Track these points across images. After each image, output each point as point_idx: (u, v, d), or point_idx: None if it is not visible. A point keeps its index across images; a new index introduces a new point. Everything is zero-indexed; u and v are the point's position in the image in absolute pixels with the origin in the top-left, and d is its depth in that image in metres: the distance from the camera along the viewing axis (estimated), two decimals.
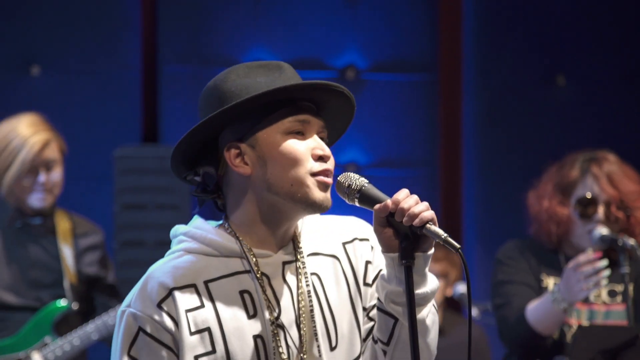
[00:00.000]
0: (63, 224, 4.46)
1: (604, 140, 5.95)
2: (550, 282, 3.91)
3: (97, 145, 5.81)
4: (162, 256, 5.69)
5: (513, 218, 5.06)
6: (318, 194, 2.26)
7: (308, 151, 2.27)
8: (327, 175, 2.28)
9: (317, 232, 2.38)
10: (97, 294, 4.51)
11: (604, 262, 3.70)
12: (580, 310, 3.88)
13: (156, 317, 2.22)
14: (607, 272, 3.69)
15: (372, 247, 2.40)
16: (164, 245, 5.24)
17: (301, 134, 2.28)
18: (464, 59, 6.24)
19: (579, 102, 6.25)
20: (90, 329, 4.40)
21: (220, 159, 2.30)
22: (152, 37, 5.97)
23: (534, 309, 3.79)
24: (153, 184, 5.43)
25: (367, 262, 2.39)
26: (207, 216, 2.34)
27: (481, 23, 6.23)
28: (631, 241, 3.78)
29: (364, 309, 2.36)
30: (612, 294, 3.90)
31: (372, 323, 2.36)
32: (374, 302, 2.35)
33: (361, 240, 2.40)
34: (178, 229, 2.36)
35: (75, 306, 4.42)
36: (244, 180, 2.28)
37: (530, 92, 6.24)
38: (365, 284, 2.37)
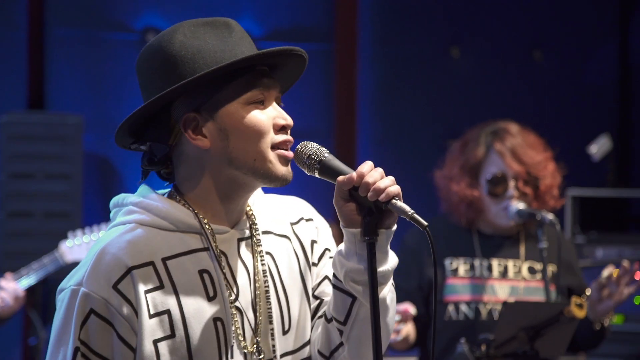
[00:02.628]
0: None
1: (496, 111, 5.98)
2: (460, 263, 3.88)
3: None
4: (51, 227, 5.51)
5: (410, 190, 5.03)
6: (280, 169, 2.16)
7: (270, 121, 2.16)
8: (287, 148, 2.17)
9: (266, 211, 2.29)
10: None
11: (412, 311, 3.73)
12: (500, 286, 3.86)
13: (112, 301, 2.07)
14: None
15: (316, 227, 2.32)
16: (53, 216, 5.16)
17: (261, 103, 2.16)
18: (360, 28, 6.19)
19: (473, 73, 6.27)
20: None
21: (172, 128, 2.16)
22: None
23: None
24: (42, 152, 5.24)
25: (313, 242, 2.31)
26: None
27: None
28: (549, 215, 3.77)
29: (312, 289, 2.29)
30: (531, 270, 3.89)
31: (317, 302, 2.28)
32: (319, 280, 2.28)
33: (307, 220, 2.33)
34: (125, 198, 2.21)
35: None
36: (202, 152, 2.15)
37: (426, 62, 6.23)
38: (312, 264, 2.30)
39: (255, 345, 2.18)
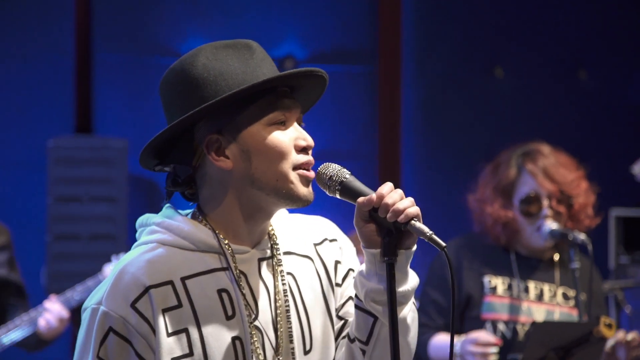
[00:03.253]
0: None
1: (540, 131, 5.96)
2: (498, 282, 3.89)
3: (30, 134, 5.67)
4: (96, 250, 5.59)
5: (453, 210, 5.04)
6: (302, 189, 2.18)
7: (291, 142, 2.18)
8: (309, 169, 2.20)
9: (289, 231, 2.31)
10: (6, 296, 4.39)
11: (494, 350, 3.72)
12: (536, 308, 3.86)
13: (129, 319, 2.11)
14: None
15: (340, 248, 2.34)
16: (98, 238, 5.23)
17: (283, 124, 2.19)
18: (403, 50, 6.21)
19: (516, 94, 6.26)
20: (2, 333, 4.32)
21: (196, 150, 2.19)
22: (86, 22, 5.83)
23: (436, 349, 3.84)
24: (87, 175, 5.33)
25: (337, 262, 2.32)
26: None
27: (420, 14, 6.22)
28: (582, 236, 3.76)
29: (335, 309, 2.30)
30: (565, 296, 3.88)
31: (342, 322, 2.29)
32: (343, 301, 2.29)
33: (331, 241, 2.34)
34: (149, 218, 2.24)
35: None
36: (224, 174, 2.17)
37: (469, 83, 6.24)
38: (336, 285, 2.31)
39: None
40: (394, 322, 2.10)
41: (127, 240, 5.22)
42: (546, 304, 3.86)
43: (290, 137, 2.18)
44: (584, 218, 3.89)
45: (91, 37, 5.84)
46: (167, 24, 5.85)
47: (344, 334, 2.30)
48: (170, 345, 2.12)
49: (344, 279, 2.32)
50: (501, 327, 3.84)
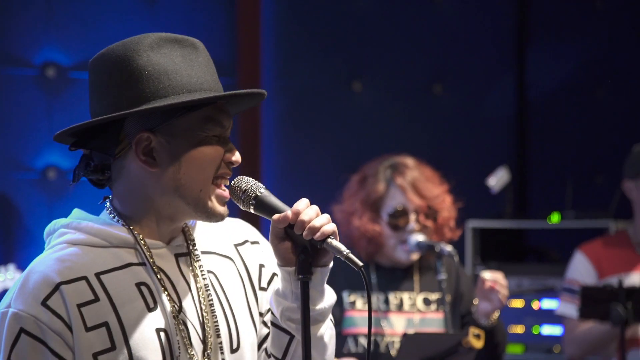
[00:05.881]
0: None
1: (400, 144, 6.05)
2: (357, 298, 3.92)
3: None
4: None
5: None
6: (218, 208, 2.14)
7: (221, 156, 2.14)
8: (227, 182, 2.16)
9: (208, 231, 2.26)
10: None
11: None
12: (396, 318, 3.90)
13: (41, 317, 2.02)
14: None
15: (262, 251, 2.30)
16: None
17: (217, 135, 2.14)
18: (263, 63, 6.22)
19: (375, 107, 6.33)
20: None
21: (121, 141, 2.11)
22: None
23: None
24: None
25: (261, 266, 2.28)
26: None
27: (280, 26, 6.23)
28: (448, 247, 3.83)
29: (260, 314, 2.26)
30: (426, 301, 3.94)
31: (267, 330, 2.25)
32: (268, 307, 2.24)
33: (252, 243, 2.30)
34: (57, 222, 2.17)
35: None
36: (146, 174, 2.11)
37: (329, 96, 6.28)
38: (261, 288, 2.27)
39: (206, 359, 2.14)
40: (307, 340, 2.07)
41: None
42: (406, 312, 3.91)
43: (222, 150, 2.14)
44: (447, 231, 3.98)
45: None
46: (21, 34, 5.71)
47: (265, 345, 2.26)
48: (89, 341, 2.04)
49: (269, 283, 2.28)
50: (362, 340, 3.87)
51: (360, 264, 2.08)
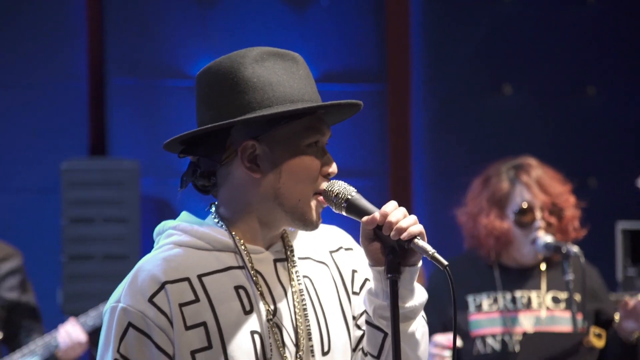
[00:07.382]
0: None
1: (549, 147, 6.01)
2: (482, 299, 3.93)
3: (44, 158, 5.75)
4: (110, 270, 5.63)
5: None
6: (315, 216, 2.23)
7: (318, 167, 2.23)
8: (321, 198, 2.23)
9: (305, 237, 2.34)
10: (19, 319, 4.42)
11: (448, 353, 3.76)
12: (525, 316, 3.90)
13: (148, 313, 2.15)
14: None
15: (356, 257, 2.36)
16: (112, 258, 5.29)
17: (316, 146, 2.23)
18: (412, 68, 6.26)
19: (525, 111, 6.30)
20: (16, 358, 4.35)
21: (228, 147, 2.21)
22: (98, 47, 5.92)
23: None
24: (100, 197, 5.39)
25: (354, 271, 2.36)
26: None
27: (429, 32, 6.27)
28: (574, 248, 3.81)
29: (353, 317, 2.33)
30: (555, 300, 3.92)
31: (361, 332, 2.32)
32: (362, 311, 2.31)
33: (346, 249, 2.37)
34: (166, 224, 2.29)
35: None
36: (250, 180, 2.21)
37: (478, 100, 6.28)
38: (354, 293, 2.34)
39: None
40: (397, 338, 2.14)
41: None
42: (534, 310, 3.91)
43: (320, 162, 2.23)
44: (571, 230, 3.95)
45: (103, 62, 5.92)
46: (177, 46, 5.92)
47: (360, 345, 2.33)
48: (188, 339, 2.15)
49: (361, 287, 2.35)
50: (490, 341, 3.88)
51: (445, 263, 2.12)
